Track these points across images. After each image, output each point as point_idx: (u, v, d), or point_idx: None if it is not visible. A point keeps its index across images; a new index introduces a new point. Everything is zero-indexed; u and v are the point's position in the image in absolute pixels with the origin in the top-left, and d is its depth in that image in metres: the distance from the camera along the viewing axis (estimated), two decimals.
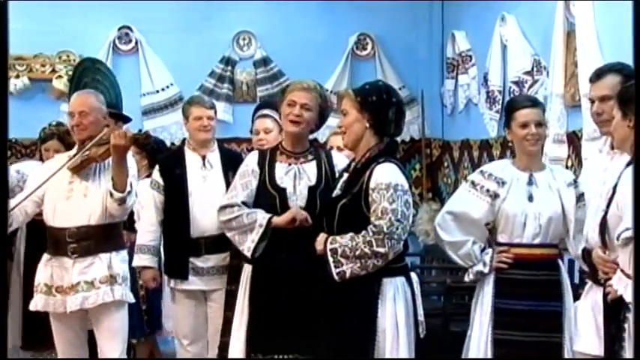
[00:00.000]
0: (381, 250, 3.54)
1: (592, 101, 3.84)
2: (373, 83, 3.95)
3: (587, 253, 3.75)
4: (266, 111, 4.92)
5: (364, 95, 3.73)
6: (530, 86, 5.97)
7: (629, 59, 4.48)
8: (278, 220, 3.92)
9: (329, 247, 3.61)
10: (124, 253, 4.57)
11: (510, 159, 4.34)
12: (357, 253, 3.54)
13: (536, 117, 4.08)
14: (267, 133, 4.75)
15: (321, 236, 3.69)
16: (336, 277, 3.58)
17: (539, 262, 4.06)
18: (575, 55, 5.30)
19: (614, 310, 3.28)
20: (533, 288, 4.04)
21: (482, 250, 4.15)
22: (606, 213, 3.32)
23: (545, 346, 3.97)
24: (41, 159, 6.00)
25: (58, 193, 4.40)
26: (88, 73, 6.27)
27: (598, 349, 3.59)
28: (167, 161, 5.10)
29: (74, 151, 4.56)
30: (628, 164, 3.28)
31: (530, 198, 4.07)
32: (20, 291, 5.81)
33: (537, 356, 3.99)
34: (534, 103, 4.24)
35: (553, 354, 3.95)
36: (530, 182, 4.10)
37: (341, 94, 3.92)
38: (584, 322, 3.75)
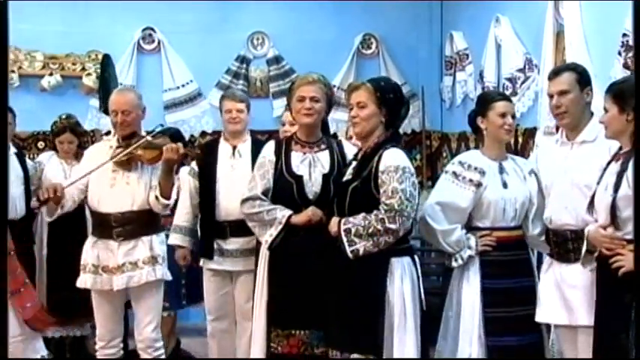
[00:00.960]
0: (393, 226, 3.57)
1: (551, 96, 3.91)
2: (387, 80, 3.97)
3: (552, 233, 3.86)
4: None
5: (383, 92, 3.73)
6: (523, 82, 5.97)
7: (613, 57, 4.59)
8: (295, 219, 3.92)
9: (342, 227, 3.64)
10: (163, 235, 4.64)
11: (479, 150, 4.34)
12: (370, 230, 3.57)
13: (511, 110, 4.20)
14: (292, 125, 4.73)
15: (334, 219, 3.71)
16: (350, 255, 3.61)
17: (515, 242, 4.15)
18: (564, 53, 5.30)
19: (626, 282, 3.28)
20: (513, 267, 4.12)
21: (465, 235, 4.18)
22: (614, 197, 3.35)
23: (526, 318, 4.02)
24: (55, 150, 6.04)
25: (101, 181, 4.43)
26: (106, 69, 6.38)
27: (566, 319, 3.73)
28: (203, 150, 5.20)
29: (114, 142, 4.58)
30: (629, 152, 3.34)
31: (505, 185, 4.13)
32: (45, 271, 5.87)
33: (522, 327, 4.05)
34: (508, 97, 4.37)
35: (532, 323, 4.01)
36: (501, 171, 4.16)
37: (356, 85, 3.86)
38: (547, 295, 3.86)
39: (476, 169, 4.15)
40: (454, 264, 4.18)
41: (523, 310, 4.03)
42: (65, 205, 4.45)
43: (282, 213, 3.95)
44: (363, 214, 3.61)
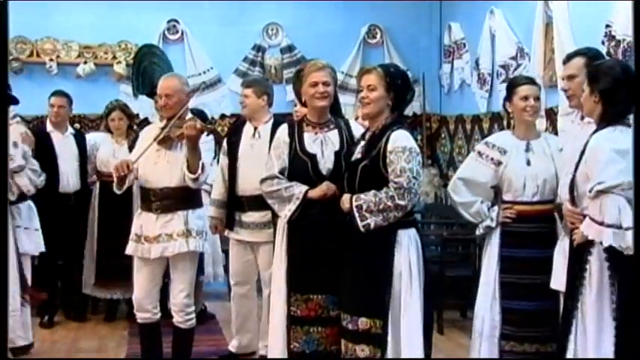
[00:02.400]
0: (402, 202, 3.56)
1: (563, 79, 3.93)
2: (396, 67, 3.96)
3: (561, 207, 3.79)
4: None
5: (392, 77, 3.71)
6: (515, 69, 6.00)
7: (597, 45, 4.62)
8: (312, 193, 3.87)
9: (354, 204, 3.61)
10: (200, 211, 4.59)
11: (510, 130, 4.34)
12: (381, 206, 3.56)
13: (534, 92, 4.15)
14: (303, 106, 4.75)
15: (346, 196, 3.69)
16: (362, 229, 3.59)
17: (537, 216, 4.12)
18: (553, 43, 5.35)
19: (577, 253, 3.35)
20: (532, 238, 4.11)
21: (489, 208, 4.22)
22: (575, 173, 3.37)
23: (541, 286, 4.00)
24: (108, 130, 6.22)
25: (148, 159, 4.44)
26: (146, 57, 6.35)
27: None
28: (231, 130, 5.23)
29: (163, 124, 4.58)
30: (593, 133, 3.33)
31: (528, 163, 4.12)
32: (95, 239, 6.08)
33: (537, 294, 4.04)
34: (533, 81, 4.30)
35: (550, 291, 3.95)
36: (527, 149, 4.15)
37: (368, 69, 3.82)
38: (558, 265, 3.83)
39: (498, 148, 4.18)
40: (477, 232, 4.27)
41: (539, 279, 4.02)
42: (128, 180, 4.47)
43: (300, 189, 3.91)
44: (373, 192, 3.60)
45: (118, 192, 4.46)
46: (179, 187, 4.42)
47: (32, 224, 5.10)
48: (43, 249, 5.19)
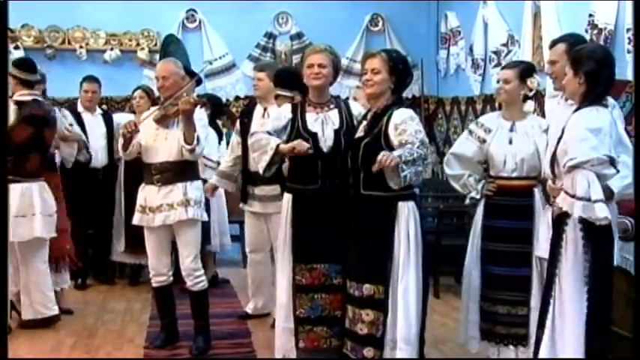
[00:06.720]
0: (423, 152, 3.54)
1: (549, 64, 3.96)
2: (398, 52, 3.95)
3: (543, 182, 3.87)
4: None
5: (395, 62, 3.73)
6: (506, 55, 6.05)
7: (581, 33, 4.66)
8: (283, 147, 3.80)
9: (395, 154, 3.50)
10: (198, 183, 4.58)
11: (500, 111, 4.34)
12: (415, 156, 3.49)
13: (502, 76, 4.14)
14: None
15: (384, 153, 3.51)
16: (402, 183, 3.52)
17: (516, 190, 4.12)
18: (541, 31, 5.39)
19: (556, 224, 3.35)
20: (510, 210, 4.11)
21: (477, 182, 4.23)
22: (556, 149, 3.34)
23: (519, 254, 4.05)
24: (133, 112, 6.27)
25: (148, 136, 4.48)
26: (170, 45, 6.49)
27: None
28: (244, 112, 5.26)
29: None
30: (574, 112, 3.35)
31: (510, 141, 4.10)
32: (123, 208, 6.15)
33: (515, 261, 4.06)
34: (505, 66, 4.30)
35: (524, 260, 4.05)
36: (511, 129, 4.14)
37: (372, 53, 3.81)
38: (542, 234, 3.88)
39: (484, 127, 4.21)
40: (465, 202, 4.34)
41: (517, 247, 4.04)
42: (134, 152, 4.56)
43: (275, 141, 3.85)
44: (400, 148, 3.53)
45: (125, 157, 4.61)
46: (177, 161, 4.44)
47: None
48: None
